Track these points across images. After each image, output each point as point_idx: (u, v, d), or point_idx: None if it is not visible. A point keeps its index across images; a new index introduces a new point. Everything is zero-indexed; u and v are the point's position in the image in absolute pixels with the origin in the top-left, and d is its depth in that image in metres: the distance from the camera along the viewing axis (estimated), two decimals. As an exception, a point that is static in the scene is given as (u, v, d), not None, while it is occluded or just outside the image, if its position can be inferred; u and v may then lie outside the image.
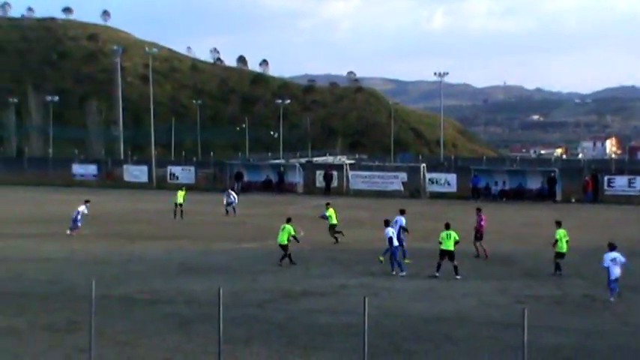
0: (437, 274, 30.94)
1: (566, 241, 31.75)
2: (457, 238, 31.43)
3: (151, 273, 31.81)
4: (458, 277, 30.69)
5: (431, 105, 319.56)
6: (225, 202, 53.60)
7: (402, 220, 35.31)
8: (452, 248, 31.16)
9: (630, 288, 28.09)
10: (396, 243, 32.31)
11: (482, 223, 36.92)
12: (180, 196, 51.66)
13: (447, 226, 31.80)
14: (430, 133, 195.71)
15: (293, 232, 34.87)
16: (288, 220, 35.44)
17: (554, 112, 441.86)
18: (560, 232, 31.82)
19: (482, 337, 21.90)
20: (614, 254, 27.09)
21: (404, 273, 31.68)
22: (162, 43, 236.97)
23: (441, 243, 31.35)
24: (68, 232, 42.97)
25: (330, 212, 41.77)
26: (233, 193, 54.99)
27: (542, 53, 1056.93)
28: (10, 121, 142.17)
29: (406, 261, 33.47)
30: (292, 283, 29.82)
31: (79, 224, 43.49)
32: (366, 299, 15.42)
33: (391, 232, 32.47)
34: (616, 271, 26.77)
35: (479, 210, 37.88)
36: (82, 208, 43.91)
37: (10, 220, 50.58)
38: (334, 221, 41.58)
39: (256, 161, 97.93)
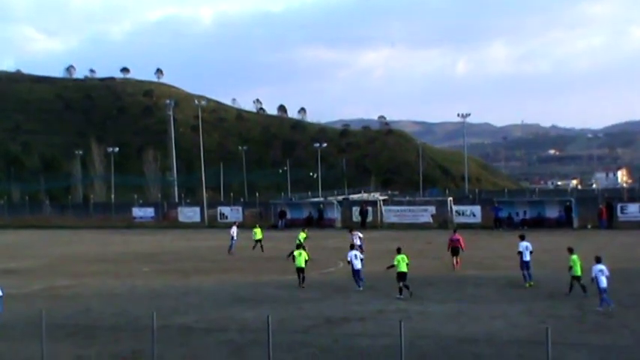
0: (400, 297, 31.37)
1: (580, 265, 31.08)
2: (408, 261, 32.34)
3: (206, 304, 31.88)
4: (400, 297, 31.30)
5: (455, 144, 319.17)
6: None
7: (525, 244, 34.32)
8: (406, 270, 31.91)
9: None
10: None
11: (456, 241, 39.38)
12: (258, 232, 52.17)
13: (399, 251, 32.59)
14: (455, 170, 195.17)
15: (307, 257, 36.15)
16: (300, 247, 37.51)
17: (568, 147, 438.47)
18: (574, 258, 31.23)
19: (509, 356, 21.67)
20: (601, 266, 27.88)
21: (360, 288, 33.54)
22: (210, 95, 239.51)
23: (395, 266, 31.99)
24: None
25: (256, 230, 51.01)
26: (235, 229, 52.32)
27: (556, 92, 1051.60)
28: (77, 171, 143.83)
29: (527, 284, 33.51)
30: (334, 309, 29.73)
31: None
32: (402, 323, 15.38)
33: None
34: (603, 281, 27.55)
35: (454, 231, 41.37)
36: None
37: (79, 259, 50.99)
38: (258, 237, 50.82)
39: (297, 200, 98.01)
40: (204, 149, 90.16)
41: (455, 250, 39.55)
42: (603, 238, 56.60)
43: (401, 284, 31.61)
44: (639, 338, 23.80)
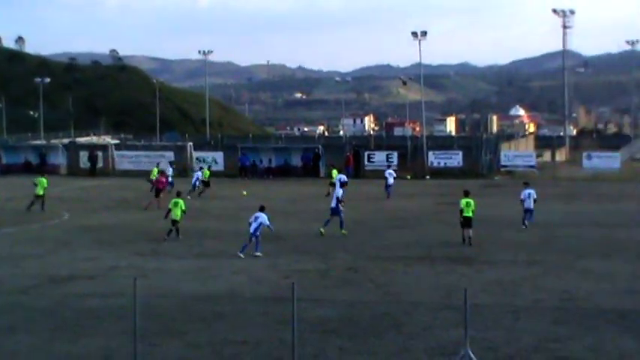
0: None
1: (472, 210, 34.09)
2: None
3: None
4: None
5: (196, 83, 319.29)
6: None
7: None
8: None
9: (386, 259, 29.54)
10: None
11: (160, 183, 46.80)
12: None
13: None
14: (196, 112, 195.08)
15: (184, 207, 35.43)
16: (178, 194, 36.60)
17: (315, 90, 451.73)
18: (463, 201, 34.00)
19: (252, 313, 22.18)
20: (530, 190, 37.62)
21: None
22: None
23: None
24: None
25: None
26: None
27: (303, 32, 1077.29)
28: None
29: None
30: (58, 267, 28.99)
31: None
32: (136, 281, 15.26)
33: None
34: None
35: (162, 172, 50.04)
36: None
37: None
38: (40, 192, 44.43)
39: (15, 142, 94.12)
40: None
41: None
42: (349, 187, 58.69)
43: None
44: (383, 292, 25.15)
